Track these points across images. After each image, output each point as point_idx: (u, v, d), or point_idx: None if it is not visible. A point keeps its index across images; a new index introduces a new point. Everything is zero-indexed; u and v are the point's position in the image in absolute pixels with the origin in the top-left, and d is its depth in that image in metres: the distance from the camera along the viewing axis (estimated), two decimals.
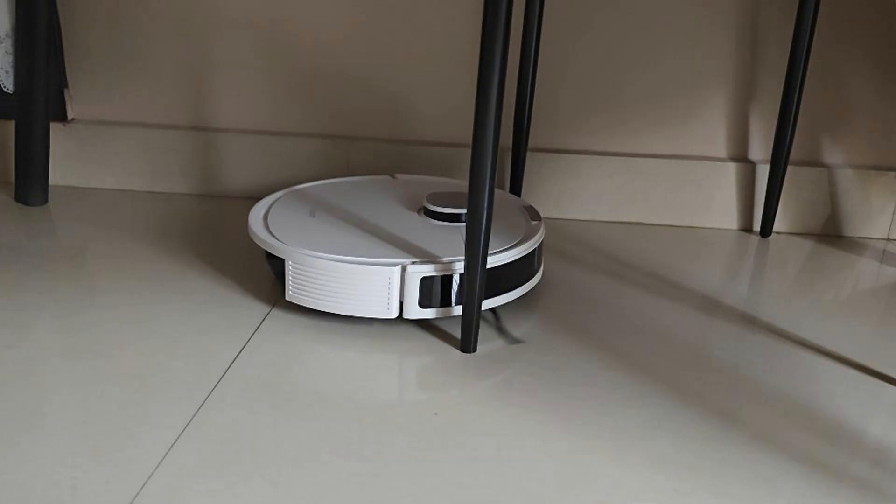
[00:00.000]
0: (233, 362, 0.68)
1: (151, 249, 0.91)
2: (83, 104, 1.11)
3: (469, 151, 1.05)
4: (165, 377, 0.65)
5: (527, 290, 0.80)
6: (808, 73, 0.97)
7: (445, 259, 0.73)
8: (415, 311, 0.73)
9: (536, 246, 0.80)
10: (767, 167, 1.02)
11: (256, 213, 0.84)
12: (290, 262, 0.74)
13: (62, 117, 1.09)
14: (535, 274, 0.82)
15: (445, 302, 0.74)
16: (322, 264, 0.73)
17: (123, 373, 0.66)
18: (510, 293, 0.77)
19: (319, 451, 0.57)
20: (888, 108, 1.02)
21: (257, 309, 0.78)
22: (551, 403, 0.64)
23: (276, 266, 0.79)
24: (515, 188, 1.04)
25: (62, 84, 1.08)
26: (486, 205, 0.66)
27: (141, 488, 0.52)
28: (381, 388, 0.65)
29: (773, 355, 0.73)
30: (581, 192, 1.06)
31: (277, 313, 0.77)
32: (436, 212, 0.83)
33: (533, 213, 0.87)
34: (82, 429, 0.58)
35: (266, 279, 0.84)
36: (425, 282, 0.72)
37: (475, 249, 0.68)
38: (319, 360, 0.69)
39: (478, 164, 0.66)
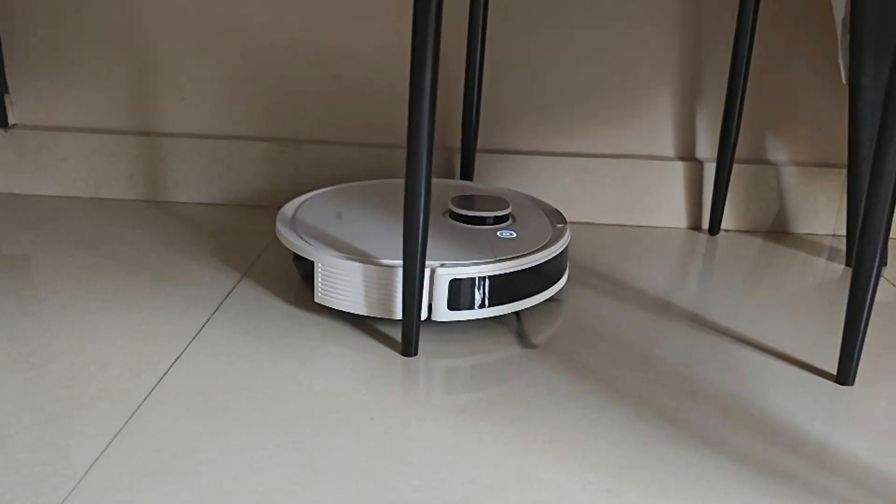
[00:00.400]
0: (168, 370, 0.67)
1: (95, 257, 0.89)
2: (24, 109, 1.08)
3: None
4: (98, 387, 0.64)
5: (553, 294, 0.80)
6: (750, 72, 0.98)
7: (474, 261, 0.74)
8: (443, 314, 0.73)
9: (562, 249, 0.80)
10: (714, 166, 1.03)
11: (284, 216, 0.84)
12: (320, 265, 0.74)
13: (3, 123, 1.07)
14: (562, 276, 0.82)
15: (473, 304, 0.74)
16: (351, 266, 0.73)
17: (55, 384, 0.64)
18: (536, 296, 0.78)
19: (252, 459, 0.56)
20: (831, 105, 1.03)
21: (198, 317, 0.76)
22: (490, 406, 0.64)
23: (304, 268, 0.79)
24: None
25: (2, 89, 1.06)
26: (422, 207, 0.66)
27: (62, 502, 0.51)
28: (319, 392, 0.65)
29: (716, 353, 0.74)
30: (530, 192, 1.06)
31: (218, 320, 0.76)
32: (461, 215, 0.83)
33: (558, 217, 0.87)
34: (7, 444, 0.57)
35: (208, 285, 0.83)
36: (454, 284, 0.72)
37: (412, 251, 0.67)
38: (256, 367, 0.68)
39: (413, 164, 0.65)
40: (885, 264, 0.96)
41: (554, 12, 1.02)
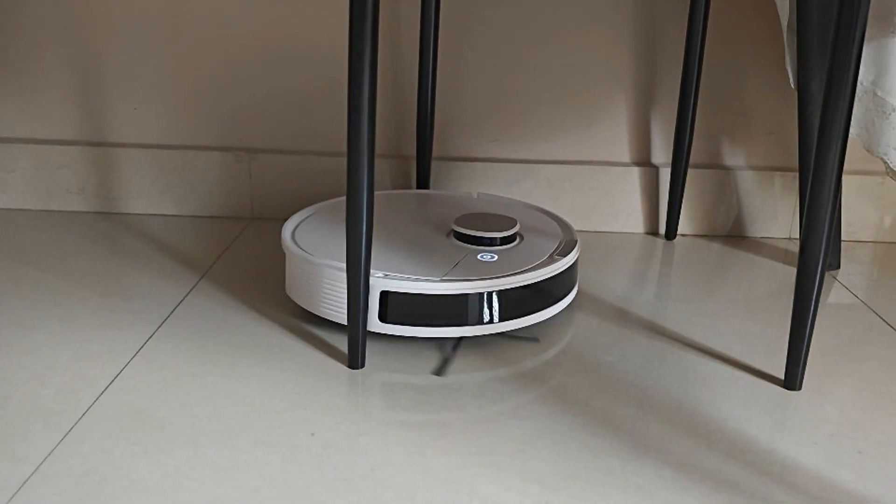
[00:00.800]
0: (107, 388, 0.65)
1: (41, 272, 0.87)
2: None
3: (383, 161, 1.04)
4: (33, 407, 0.62)
5: (564, 307, 0.79)
6: (702, 78, 0.98)
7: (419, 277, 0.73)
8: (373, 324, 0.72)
9: (572, 262, 0.79)
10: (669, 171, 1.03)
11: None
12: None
13: None
14: (572, 290, 0.81)
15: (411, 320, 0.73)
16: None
17: None
18: (547, 310, 0.76)
19: (184, 479, 0.55)
20: (784, 109, 1.03)
21: (141, 332, 0.75)
22: (434, 420, 0.63)
23: None
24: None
25: None
26: (364, 216, 0.65)
27: None
28: (260, 408, 0.63)
29: (666, 360, 0.73)
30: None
31: (162, 335, 0.74)
32: (465, 235, 0.81)
33: (565, 248, 0.83)
34: None
35: (156, 299, 0.81)
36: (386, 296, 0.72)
37: (356, 260, 0.66)
38: (197, 385, 0.67)
39: (353, 172, 0.64)
40: (839, 267, 0.96)
41: (509, 20, 1.01)
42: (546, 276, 0.76)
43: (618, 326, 0.79)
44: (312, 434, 0.60)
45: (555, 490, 0.55)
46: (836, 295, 0.89)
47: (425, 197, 0.97)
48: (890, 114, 0.87)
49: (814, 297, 0.65)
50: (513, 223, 0.82)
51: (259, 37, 1.02)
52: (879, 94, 0.87)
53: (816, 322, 0.82)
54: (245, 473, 0.55)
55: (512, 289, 0.74)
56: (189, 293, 0.84)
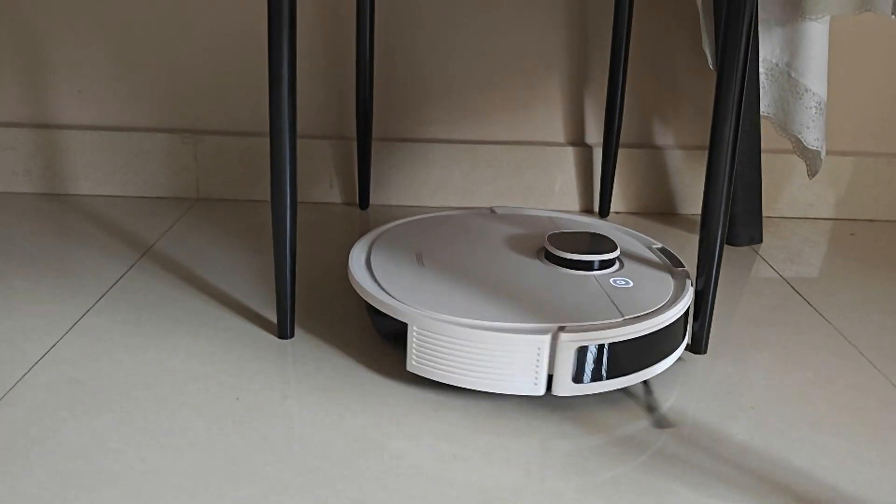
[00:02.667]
0: (41, 358, 0.68)
1: None
2: None
3: (318, 143, 1.07)
4: None
5: (675, 360, 0.68)
6: (630, 59, 1.01)
7: (598, 322, 0.63)
8: (568, 388, 0.62)
9: (686, 308, 0.68)
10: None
11: (358, 261, 0.74)
12: (415, 328, 0.63)
13: None
14: (684, 339, 0.70)
15: (599, 376, 0.62)
16: (455, 331, 0.62)
17: None
18: (659, 364, 0.65)
19: (108, 441, 0.57)
20: (710, 89, 1.08)
21: (79, 306, 0.77)
22: (356, 384, 0.66)
23: (386, 327, 0.69)
24: (364, 177, 1.06)
25: None
26: (288, 202, 0.67)
27: None
28: (189, 376, 0.66)
29: None
30: (429, 179, 1.08)
31: (100, 309, 0.77)
32: (562, 258, 0.72)
33: (674, 261, 0.76)
34: None
35: (96, 276, 0.83)
36: (581, 352, 0.61)
37: (282, 238, 0.69)
38: (129, 356, 0.69)
39: (276, 156, 0.66)
40: (761, 241, 1.01)
41: (444, 3, 1.04)
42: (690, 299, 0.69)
43: None
44: (237, 399, 0.63)
45: (462, 445, 0.58)
46: (755, 268, 0.94)
47: (461, 221, 0.85)
48: (803, 94, 0.91)
49: (714, 267, 0.69)
50: (612, 243, 0.75)
51: (203, 19, 1.04)
52: (793, 75, 0.91)
53: (733, 292, 0.86)
54: (169, 436, 0.58)
55: (678, 318, 0.66)
56: (129, 270, 0.86)
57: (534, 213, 0.88)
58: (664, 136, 1.09)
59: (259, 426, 0.60)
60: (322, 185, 1.09)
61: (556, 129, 1.09)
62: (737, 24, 0.62)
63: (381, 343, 0.73)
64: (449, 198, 1.09)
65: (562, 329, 0.61)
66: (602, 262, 0.72)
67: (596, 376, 0.62)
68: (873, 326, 0.79)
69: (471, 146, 1.08)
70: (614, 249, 0.73)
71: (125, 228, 0.98)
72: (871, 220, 1.11)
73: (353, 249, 0.77)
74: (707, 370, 0.70)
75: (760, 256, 0.97)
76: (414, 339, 0.64)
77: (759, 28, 0.91)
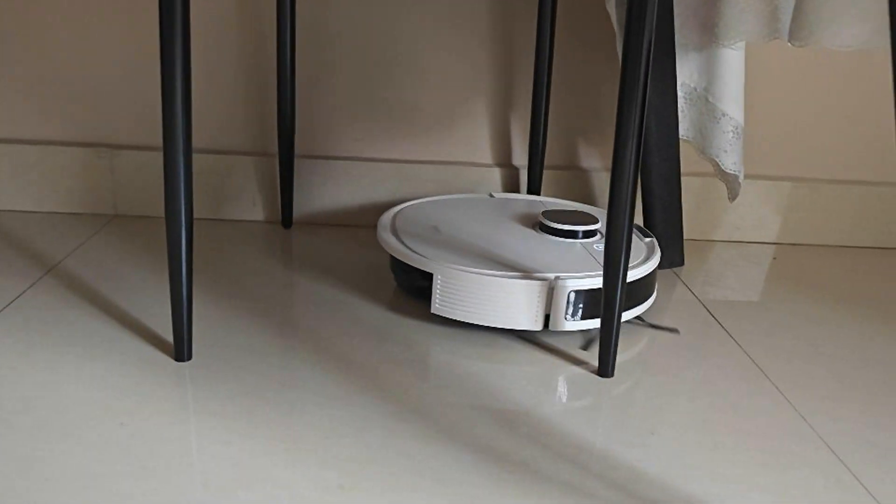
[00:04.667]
0: None
1: None
2: None
3: (240, 159, 1.05)
4: None
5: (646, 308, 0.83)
6: (553, 81, 1.02)
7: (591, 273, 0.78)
8: (561, 323, 0.77)
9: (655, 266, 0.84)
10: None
11: (385, 228, 0.87)
12: (440, 278, 0.77)
13: None
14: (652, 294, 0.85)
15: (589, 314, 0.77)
16: (473, 279, 0.76)
17: None
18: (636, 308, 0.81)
19: None
20: None
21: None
22: (250, 409, 0.64)
23: (412, 281, 0.81)
24: (286, 195, 1.04)
25: None
26: (183, 220, 0.65)
27: None
28: (74, 401, 0.63)
29: (495, 352, 0.76)
30: (355, 197, 1.07)
31: (24, 301, 0.73)
32: (554, 228, 0.87)
33: (644, 232, 0.92)
34: None
35: (14, 279, 0.80)
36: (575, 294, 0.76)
37: (177, 258, 0.67)
38: (16, 379, 0.66)
39: (170, 173, 0.64)
40: (682, 264, 1.01)
41: (370, 24, 1.03)
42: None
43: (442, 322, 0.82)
44: (122, 424, 0.61)
45: (350, 474, 0.56)
46: (674, 292, 0.94)
47: (469, 202, 1.00)
48: (720, 118, 0.92)
49: (619, 291, 0.68)
50: (594, 218, 0.89)
51: (119, 31, 1.02)
52: (711, 100, 0.92)
53: (649, 315, 0.86)
54: (43, 464, 0.55)
55: (650, 273, 0.83)
56: (29, 288, 0.83)
57: (526, 197, 1.03)
58: (589, 159, 1.09)
59: (140, 453, 0.57)
60: (245, 202, 1.07)
61: (483, 149, 1.08)
62: (637, 49, 0.62)
63: (282, 367, 0.71)
64: (376, 217, 1.08)
65: (558, 278, 0.76)
66: (585, 231, 0.87)
67: (584, 315, 0.77)
68: (784, 352, 0.80)
69: (397, 165, 1.06)
70: (595, 222, 0.88)
71: (34, 245, 0.94)
72: (794, 245, 1.12)
73: (379, 222, 0.89)
74: (613, 394, 0.69)
75: (681, 279, 0.97)
76: (438, 287, 0.77)
77: (678, 53, 0.92)
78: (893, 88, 0.36)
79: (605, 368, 0.71)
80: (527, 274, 0.76)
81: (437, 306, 0.78)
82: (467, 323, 0.81)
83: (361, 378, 0.69)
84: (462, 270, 0.76)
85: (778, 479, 0.59)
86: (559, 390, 0.69)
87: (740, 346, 0.80)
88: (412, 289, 0.84)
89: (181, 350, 0.70)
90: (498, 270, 0.77)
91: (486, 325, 0.77)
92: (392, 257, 0.83)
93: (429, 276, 0.78)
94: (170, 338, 0.74)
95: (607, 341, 0.71)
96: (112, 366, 0.69)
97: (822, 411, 0.69)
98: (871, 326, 0.87)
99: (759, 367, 0.76)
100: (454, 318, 0.78)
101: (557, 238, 0.87)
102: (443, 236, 0.85)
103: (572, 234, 0.87)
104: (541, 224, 0.89)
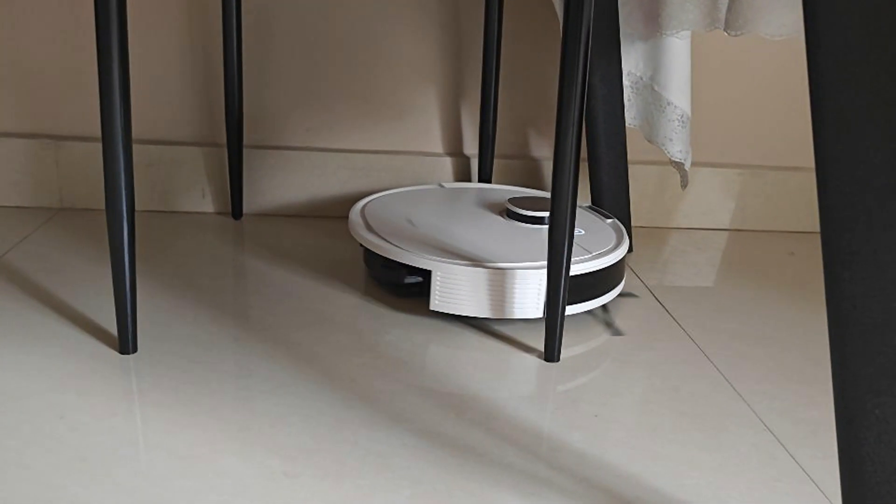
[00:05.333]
0: None
1: None
2: None
3: (189, 150, 1.04)
4: None
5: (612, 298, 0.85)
6: (502, 70, 1.02)
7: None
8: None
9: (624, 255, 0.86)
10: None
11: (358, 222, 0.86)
12: (439, 274, 0.77)
13: None
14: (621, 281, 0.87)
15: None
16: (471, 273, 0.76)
17: None
18: (594, 301, 0.82)
19: None
20: None
21: None
22: (195, 399, 0.63)
23: (399, 277, 0.79)
24: (236, 185, 1.03)
25: None
26: (124, 208, 0.65)
27: None
28: (9, 394, 0.62)
29: (441, 336, 0.76)
30: (306, 188, 1.06)
31: None
32: (521, 214, 0.88)
33: (604, 214, 0.94)
34: None
35: None
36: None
37: (118, 248, 0.66)
38: None
39: (109, 161, 0.64)
40: (630, 251, 1.03)
41: (320, 8, 1.03)
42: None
43: (394, 310, 0.82)
44: (61, 417, 0.60)
45: (295, 462, 0.56)
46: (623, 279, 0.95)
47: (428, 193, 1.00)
48: (665, 107, 0.93)
49: (563, 277, 0.69)
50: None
51: (63, 18, 1.00)
52: (657, 88, 0.94)
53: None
54: None
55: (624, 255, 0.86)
56: None
57: (478, 186, 1.03)
58: (539, 148, 1.10)
59: (79, 446, 0.57)
60: (194, 193, 1.06)
61: (434, 139, 1.09)
62: (576, 36, 0.63)
63: (228, 357, 0.70)
64: (327, 207, 1.07)
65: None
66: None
67: (574, 300, 0.79)
68: (725, 336, 0.82)
69: (348, 154, 1.06)
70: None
71: None
72: (742, 231, 1.14)
73: (351, 220, 0.87)
74: (556, 378, 0.70)
75: (628, 266, 0.99)
76: (437, 283, 0.77)
77: (623, 42, 0.93)
78: (809, 83, 0.37)
79: (551, 353, 0.72)
80: (522, 263, 0.77)
81: (437, 303, 0.77)
82: (416, 310, 0.81)
83: (310, 366, 0.69)
84: (462, 265, 0.76)
85: (715, 456, 0.60)
86: (507, 376, 0.70)
87: (684, 329, 0.82)
88: (398, 286, 0.82)
89: (125, 342, 0.69)
90: (494, 262, 0.77)
91: (490, 317, 0.78)
92: (371, 253, 0.82)
93: (423, 273, 0.78)
94: (115, 331, 0.73)
95: (552, 327, 0.72)
96: (53, 359, 0.68)
97: (760, 392, 0.71)
98: (809, 310, 0.89)
99: (702, 351, 0.78)
100: (456, 314, 0.77)
101: (527, 224, 0.88)
102: (419, 229, 0.85)
103: (540, 220, 0.88)
104: (508, 211, 0.90)
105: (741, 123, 1.12)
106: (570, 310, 0.80)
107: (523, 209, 0.88)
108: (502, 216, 0.90)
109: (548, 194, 1.00)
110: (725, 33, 0.77)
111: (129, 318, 0.68)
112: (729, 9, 0.74)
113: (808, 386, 0.72)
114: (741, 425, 0.65)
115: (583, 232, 0.88)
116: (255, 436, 0.59)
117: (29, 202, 1.04)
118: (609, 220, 0.93)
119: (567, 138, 0.65)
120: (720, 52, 1.08)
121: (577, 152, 0.66)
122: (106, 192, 0.64)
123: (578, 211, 0.96)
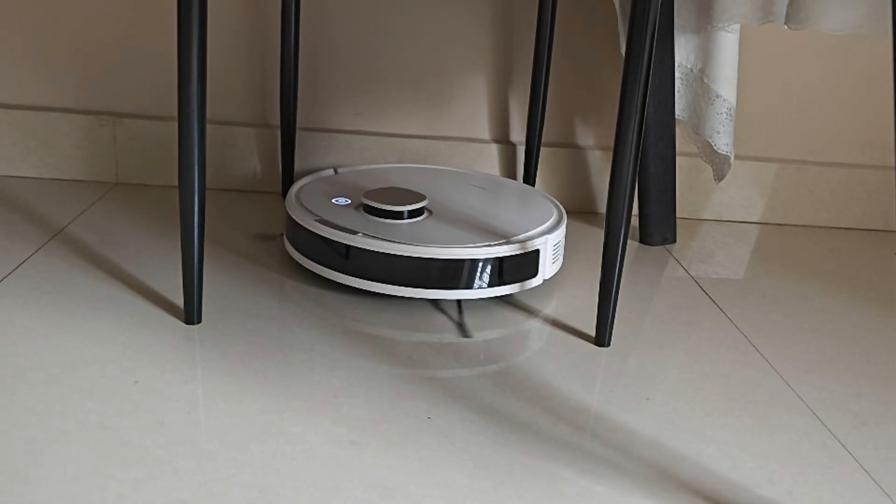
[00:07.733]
0: None
1: None
2: None
3: (243, 130, 1.06)
4: None
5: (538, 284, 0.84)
6: (553, 59, 1.03)
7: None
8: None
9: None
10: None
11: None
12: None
13: None
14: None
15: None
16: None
17: None
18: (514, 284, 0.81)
19: None
20: None
21: None
22: (260, 370, 0.66)
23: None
24: (287, 166, 1.05)
25: None
26: (196, 184, 0.67)
27: None
28: (86, 360, 0.65)
29: (491, 318, 0.78)
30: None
31: (2, 290, 0.75)
32: (378, 209, 0.84)
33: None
34: None
35: None
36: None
37: (189, 222, 0.68)
38: (28, 338, 0.68)
39: (184, 139, 0.66)
40: (675, 241, 1.04)
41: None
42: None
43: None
44: (136, 382, 0.62)
45: (361, 431, 0.59)
46: (667, 268, 0.97)
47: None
48: (714, 100, 0.94)
49: (617, 264, 0.71)
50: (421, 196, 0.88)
51: (127, 1, 1.02)
52: (706, 81, 0.95)
53: (642, 290, 0.89)
54: (58, 417, 0.57)
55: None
56: (35, 252, 0.84)
57: (371, 167, 1.02)
58: (585, 137, 1.11)
59: (155, 409, 0.59)
60: (247, 172, 1.08)
61: (482, 126, 1.10)
62: (642, 29, 0.64)
63: (289, 331, 0.73)
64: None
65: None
66: (410, 211, 0.85)
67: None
68: (770, 325, 0.83)
69: (396, 139, 1.08)
70: (423, 199, 0.86)
71: (37, 211, 0.95)
72: (780, 225, 1.15)
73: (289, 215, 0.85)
74: (608, 363, 0.72)
75: (673, 256, 1.00)
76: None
77: (675, 34, 0.94)
78: (894, 77, 0.38)
79: (602, 338, 0.74)
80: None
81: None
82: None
83: (368, 344, 0.72)
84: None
85: (767, 442, 0.62)
86: (562, 359, 0.72)
87: (730, 318, 0.83)
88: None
89: (191, 313, 0.71)
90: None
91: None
92: None
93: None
94: (178, 301, 0.76)
95: (604, 313, 0.73)
96: (123, 327, 0.71)
97: (808, 381, 0.72)
98: (853, 303, 0.90)
99: (749, 340, 0.79)
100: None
101: (382, 219, 0.84)
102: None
103: (397, 215, 0.84)
104: (364, 205, 0.86)
105: (778, 117, 1.13)
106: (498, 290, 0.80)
107: (378, 203, 0.84)
108: (357, 210, 0.86)
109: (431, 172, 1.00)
110: (785, 27, 0.78)
111: (196, 290, 0.71)
112: (790, 3, 0.75)
113: (856, 377, 0.73)
114: (791, 413, 0.66)
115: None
116: (320, 405, 0.61)
117: (86, 176, 1.07)
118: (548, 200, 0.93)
119: (629, 128, 0.66)
120: (759, 43, 1.09)
121: (639, 142, 0.67)
122: (179, 168, 0.67)
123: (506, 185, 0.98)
